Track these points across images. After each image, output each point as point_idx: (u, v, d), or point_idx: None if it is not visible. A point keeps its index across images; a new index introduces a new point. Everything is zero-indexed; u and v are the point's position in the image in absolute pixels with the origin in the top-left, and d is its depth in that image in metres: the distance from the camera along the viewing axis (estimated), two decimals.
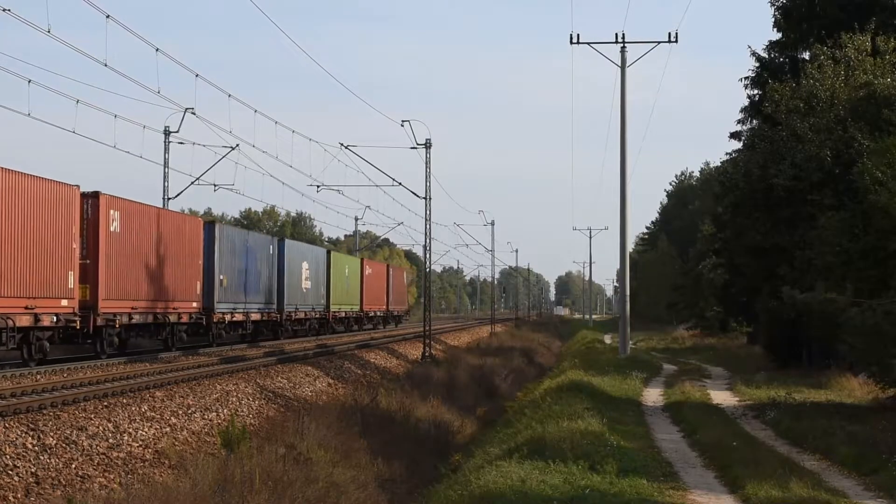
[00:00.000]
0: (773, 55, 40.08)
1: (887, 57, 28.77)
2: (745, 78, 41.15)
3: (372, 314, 72.96)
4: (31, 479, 16.93)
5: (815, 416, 22.64)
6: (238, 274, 43.32)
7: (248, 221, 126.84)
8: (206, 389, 27.27)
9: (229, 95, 37.88)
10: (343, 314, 64.09)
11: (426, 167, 49.90)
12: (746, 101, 42.17)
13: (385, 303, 77.60)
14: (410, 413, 29.97)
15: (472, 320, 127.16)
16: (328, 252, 61.88)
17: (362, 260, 70.99)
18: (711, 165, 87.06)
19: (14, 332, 26.98)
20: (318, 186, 57.55)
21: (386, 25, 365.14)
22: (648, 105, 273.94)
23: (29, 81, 31.43)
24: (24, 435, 18.50)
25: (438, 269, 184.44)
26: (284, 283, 49.96)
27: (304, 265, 54.10)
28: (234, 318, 43.04)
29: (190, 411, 24.43)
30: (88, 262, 30.94)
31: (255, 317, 45.96)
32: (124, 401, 23.36)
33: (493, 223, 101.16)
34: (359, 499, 18.65)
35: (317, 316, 56.94)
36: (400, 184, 52.11)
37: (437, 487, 17.81)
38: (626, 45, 45.08)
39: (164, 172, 48.00)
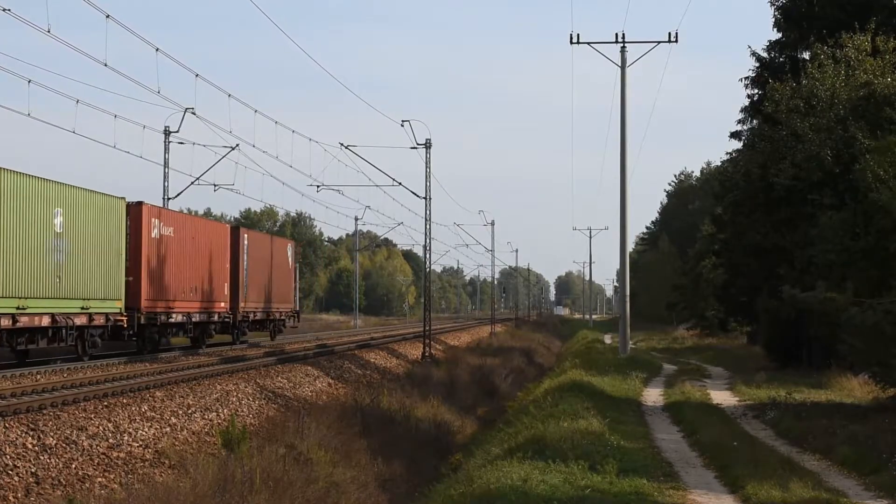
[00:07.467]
0: (773, 55, 40.05)
1: (887, 57, 28.74)
2: (745, 78, 41.13)
3: (182, 319, 37.91)
4: (31, 479, 16.93)
5: (815, 415, 22.63)
6: None
7: (248, 221, 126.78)
8: (206, 389, 27.26)
9: (229, 95, 37.90)
10: (62, 321, 29.23)
11: (426, 167, 49.97)
12: (746, 101, 42.15)
13: (226, 297, 42.75)
14: (410, 413, 29.97)
15: (472, 320, 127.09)
16: None
17: (140, 205, 34.24)
18: (711, 165, 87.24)
19: None
20: (318, 186, 57.21)
21: (386, 25, 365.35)
22: (649, 105, 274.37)
23: (29, 81, 31.31)
24: (24, 435, 18.49)
25: (438, 269, 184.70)
26: None
27: None
28: None
29: (190, 411, 24.43)
30: None
31: None
32: (124, 401, 23.36)
33: (493, 223, 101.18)
34: (359, 499, 18.66)
35: None
36: (400, 184, 52.20)
37: (438, 487, 17.80)
38: (626, 45, 45.06)
39: (164, 172, 47.91)
